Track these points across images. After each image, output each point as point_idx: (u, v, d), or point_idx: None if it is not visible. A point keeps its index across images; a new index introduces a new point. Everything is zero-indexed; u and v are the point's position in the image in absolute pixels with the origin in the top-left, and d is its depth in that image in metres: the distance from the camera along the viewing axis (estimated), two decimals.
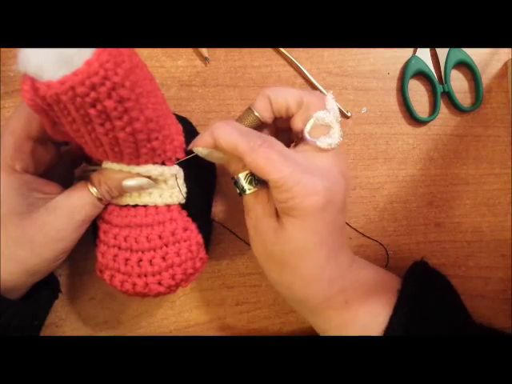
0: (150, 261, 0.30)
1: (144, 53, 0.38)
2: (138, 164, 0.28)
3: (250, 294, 0.39)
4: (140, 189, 0.30)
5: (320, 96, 0.30)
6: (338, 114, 0.30)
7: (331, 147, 0.29)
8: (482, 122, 0.43)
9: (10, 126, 0.27)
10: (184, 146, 0.31)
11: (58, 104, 0.23)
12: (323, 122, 0.29)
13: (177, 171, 0.30)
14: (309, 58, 0.41)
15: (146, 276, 0.30)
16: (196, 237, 0.31)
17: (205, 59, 0.39)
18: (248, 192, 0.29)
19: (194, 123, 0.36)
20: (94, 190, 0.29)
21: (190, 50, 0.39)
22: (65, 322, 0.36)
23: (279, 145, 0.28)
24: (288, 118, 0.31)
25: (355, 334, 0.30)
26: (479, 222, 0.42)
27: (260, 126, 0.31)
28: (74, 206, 0.28)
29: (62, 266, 0.36)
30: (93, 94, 0.22)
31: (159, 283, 0.30)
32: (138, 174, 0.29)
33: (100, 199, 0.29)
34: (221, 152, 0.29)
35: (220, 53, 0.40)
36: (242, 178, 0.29)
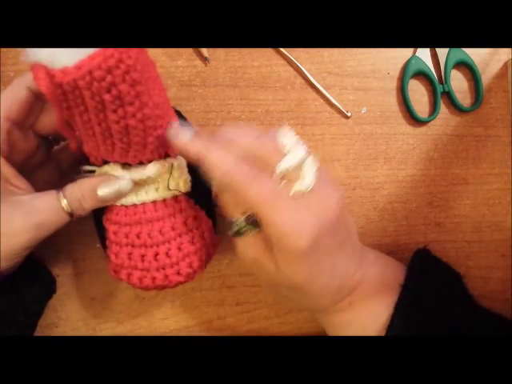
0: (167, 253, 0.30)
1: None
2: (145, 157, 0.28)
3: (250, 293, 0.39)
4: (118, 195, 0.29)
5: (270, 141, 0.28)
6: (299, 149, 0.28)
7: (308, 191, 0.27)
8: (482, 122, 0.43)
9: None
10: None
11: (73, 91, 0.23)
12: (291, 168, 0.27)
13: (181, 161, 0.30)
14: (309, 58, 0.41)
15: (164, 268, 0.30)
16: (207, 223, 0.32)
17: (205, 59, 0.39)
18: (244, 235, 0.29)
19: (194, 123, 0.36)
20: (64, 201, 0.28)
21: (189, 50, 0.39)
22: (65, 322, 0.36)
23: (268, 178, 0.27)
24: None
25: (356, 333, 0.31)
26: (479, 221, 0.42)
27: None
28: (34, 208, 0.27)
29: (62, 266, 0.36)
30: (109, 78, 0.22)
31: (178, 273, 0.30)
32: (109, 179, 0.28)
33: (69, 213, 0.28)
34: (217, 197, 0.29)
35: (220, 53, 0.40)
36: (235, 223, 0.29)
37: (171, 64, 0.39)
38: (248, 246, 0.29)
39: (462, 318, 0.31)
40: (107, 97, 0.23)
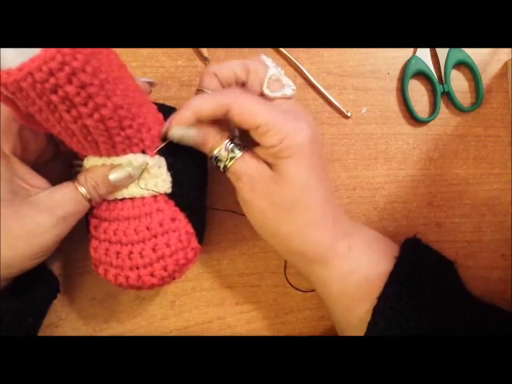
0: (141, 253, 0.30)
1: (144, 53, 0.38)
2: (116, 155, 0.28)
3: (250, 293, 0.39)
4: (129, 179, 0.29)
5: (260, 60, 0.32)
6: (278, 68, 0.33)
7: (294, 92, 0.32)
8: (482, 122, 0.43)
9: None
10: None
11: (20, 92, 0.23)
12: (275, 77, 0.32)
13: (158, 160, 0.30)
14: (309, 58, 0.41)
15: (137, 268, 0.30)
16: (185, 226, 0.31)
17: (205, 59, 0.39)
18: (234, 160, 0.30)
19: None
20: (82, 189, 0.28)
21: (189, 50, 0.39)
22: (65, 322, 0.36)
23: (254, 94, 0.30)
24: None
25: (355, 284, 0.31)
26: (479, 222, 0.42)
27: None
28: (56, 202, 0.28)
29: (63, 266, 0.36)
30: (52, 80, 0.22)
31: (152, 275, 0.30)
32: (120, 165, 0.29)
33: (89, 199, 0.29)
34: (195, 130, 0.29)
35: (220, 53, 0.40)
36: (223, 148, 0.30)
37: (171, 64, 0.39)
38: (243, 167, 0.30)
39: (455, 300, 0.31)
40: (54, 97, 0.23)
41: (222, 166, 0.31)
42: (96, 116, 0.25)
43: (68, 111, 0.24)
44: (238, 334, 0.38)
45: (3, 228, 0.26)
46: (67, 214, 0.28)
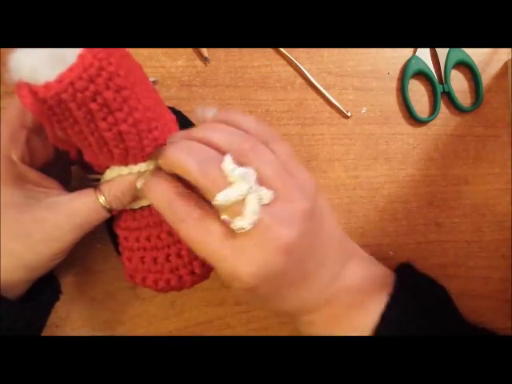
0: (178, 254, 0.29)
1: (144, 53, 0.38)
2: (144, 160, 0.28)
3: None
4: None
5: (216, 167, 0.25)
6: (243, 183, 0.24)
7: (244, 230, 0.24)
8: (482, 122, 0.43)
9: (5, 117, 0.27)
10: None
11: (59, 105, 0.23)
12: (229, 202, 0.24)
13: None
14: (309, 58, 0.41)
15: (178, 269, 0.29)
16: None
17: (205, 59, 0.39)
18: None
19: (194, 123, 0.36)
20: (102, 198, 0.28)
21: (189, 50, 0.39)
22: (65, 322, 0.36)
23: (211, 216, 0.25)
24: None
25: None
26: (479, 222, 0.42)
27: None
28: (75, 209, 0.28)
29: (62, 266, 0.36)
30: (92, 87, 0.22)
31: (192, 273, 0.30)
32: (147, 171, 0.28)
33: (109, 210, 0.29)
34: None
35: (220, 53, 0.40)
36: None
37: (171, 64, 0.39)
38: None
39: (449, 328, 0.30)
40: (93, 106, 0.23)
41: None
42: (130, 120, 0.25)
43: (104, 119, 0.24)
44: (238, 334, 0.38)
45: (24, 234, 0.27)
46: (85, 223, 0.28)
